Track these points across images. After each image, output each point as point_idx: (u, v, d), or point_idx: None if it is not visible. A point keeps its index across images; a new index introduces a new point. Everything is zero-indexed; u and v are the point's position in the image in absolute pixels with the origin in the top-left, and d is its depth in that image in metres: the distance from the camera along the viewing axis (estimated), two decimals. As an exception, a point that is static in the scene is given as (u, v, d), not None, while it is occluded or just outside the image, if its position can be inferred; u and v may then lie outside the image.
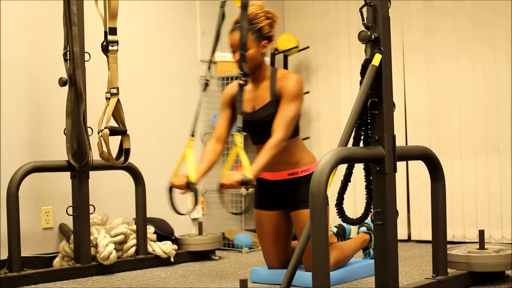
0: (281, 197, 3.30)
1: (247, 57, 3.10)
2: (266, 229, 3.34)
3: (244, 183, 2.85)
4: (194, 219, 4.81)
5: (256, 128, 3.24)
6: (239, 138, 2.91)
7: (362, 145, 2.59)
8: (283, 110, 3.12)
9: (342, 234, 3.63)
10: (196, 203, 2.99)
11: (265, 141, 3.14)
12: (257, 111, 3.22)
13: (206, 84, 3.13)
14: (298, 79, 3.19)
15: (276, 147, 3.05)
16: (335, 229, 3.63)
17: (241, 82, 2.96)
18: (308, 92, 5.32)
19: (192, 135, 3.05)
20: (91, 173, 3.73)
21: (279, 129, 3.08)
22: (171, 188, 3.04)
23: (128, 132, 3.45)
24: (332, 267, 3.23)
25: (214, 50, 3.15)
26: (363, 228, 3.66)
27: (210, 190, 4.87)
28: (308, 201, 3.13)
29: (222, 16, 3.09)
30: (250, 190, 2.98)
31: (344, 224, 3.66)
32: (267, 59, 5.00)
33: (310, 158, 3.30)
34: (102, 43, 3.46)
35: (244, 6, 3.00)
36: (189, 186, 2.97)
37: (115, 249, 3.79)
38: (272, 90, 3.20)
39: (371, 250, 3.65)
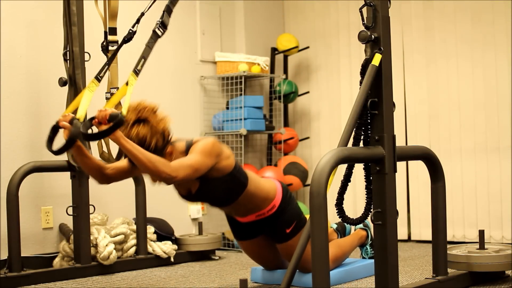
0: (257, 230, 3.20)
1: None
2: (253, 254, 3.29)
3: (113, 117, 2.52)
4: (194, 219, 4.81)
5: (208, 201, 3.08)
6: (132, 79, 2.71)
7: (362, 145, 2.59)
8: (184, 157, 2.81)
9: (342, 231, 3.62)
10: (73, 137, 2.62)
11: (224, 205, 3.02)
12: (195, 193, 2.97)
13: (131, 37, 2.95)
14: (207, 140, 2.87)
15: (161, 166, 2.62)
16: (335, 226, 3.63)
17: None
18: (308, 92, 5.32)
19: (97, 79, 2.81)
20: (91, 173, 3.72)
21: (173, 163, 2.70)
22: (56, 127, 2.71)
23: (128, 132, 3.44)
24: (331, 264, 3.22)
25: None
26: (359, 225, 3.65)
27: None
28: (285, 234, 3.09)
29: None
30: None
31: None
32: (267, 59, 5.03)
33: (271, 193, 3.09)
34: (102, 43, 3.46)
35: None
36: (71, 122, 2.62)
37: (115, 249, 3.79)
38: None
39: (368, 247, 3.65)
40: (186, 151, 2.87)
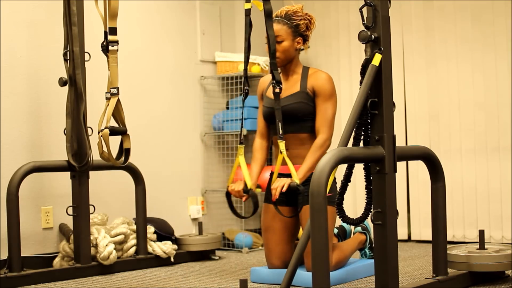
0: (293, 193, 3.29)
1: (280, 49, 3.29)
2: (273, 224, 3.35)
3: (293, 188, 3.02)
4: (194, 219, 4.82)
5: (282, 116, 3.23)
6: (282, 145, 3.04)
7: (362, 145, 2.59)
8: (322, 110, 3.26)
9: (342, 235, 3.63)
10: (256, 207, 3.11)
11: (291, 130, 3.27)
12: (284, 98, 3.29)
13: (246, 94, 3.20)
14: (329, 77, 3.30)
15: (321, 148, 3.21)
16: (336, 230, 3.63)
17: (277, 90, 3.07)
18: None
19: (241, 143, 3.19)
20: (91, 173, 3.73)
21: (322, 130, 3.24)
22: (229, 195, 3.25)
23: (128, 132, 3.45)
24: (333, 267, 3.24)
25: (247, 60, 3.21)
26: (358, 228, 3.66)
27: (210, 190, 4.87)
28: None
29: (249, 24, 3.19)
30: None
31: (345, 225, 3.67)
32: (267, 59, 5.02)
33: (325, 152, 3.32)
34: (102, 43, 3.46)
35: (268, 14, 3.11)
36: (246, 192, 3.15)
37: (115, 249, 3.79)
38: (303, 83, 3.30)
39: (366, 250, 3.65)
40: (302, 75, 3.32)
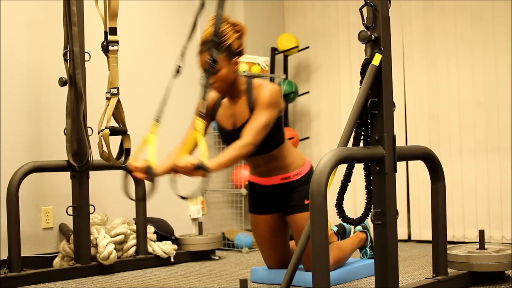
0: (275, 201, 3.28)
1: (219, 78, 3.01)
2: (262, 233, 3.32)
3: (199, 167, 2.68)
4: (194, 219, 4.82)
5: None
6: (200, 123, 2.78)
7: (362, 145, 2.59)
8: (255, 117, 2.99)
9: (342, 233, 3.63)
10: (154, 188, 2.81)
11: (252, 154, 3.04)
12: (238, 128, 3.10)
13: (178, 71, 3.01)
14: (272, 89, 3.03)
15: (242, 149, 2.89)
16: (335, 228, 3.64)
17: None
18: (308, 92, 5.32)
19: (157, 121, 2.93)
20: (91, 173, 3.73)
21: (247, 134, 2.93)
22: (127, 172, 2.90)
23: (128, 132, 3.45)
24: (332, 266, 3.24)
25: (189, 37, 3.02)
26: (359, 227, 3.65)
27: (210, 190, 4.87)
28: (302, 205, 3.16)
29: (202, 5, 3.06)
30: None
31: (345, 223, 3.66)
32: (267, 59, 5.02)
33: (301, 160, 3.24)
34: (102, 43, 3.46)
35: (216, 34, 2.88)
36: (147, 171, 2.79)
37: (115, 249, 3.79)
38: (249, 105, 3.08)
39: (367, 249, 3.65)
40: (246, 91, 3.08)
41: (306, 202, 3.15)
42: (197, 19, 3.01)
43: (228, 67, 3.04)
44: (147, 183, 2.90)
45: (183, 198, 2.86)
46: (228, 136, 3.15)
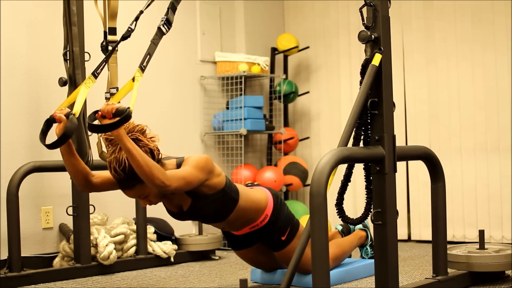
0: (252, 239, 3.18)
1: (152, 199, 2.84)
2: (251, 261, 3.28)
3: (120, 112, 2.48)
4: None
5: (202, 219, 3.07)
6: (138, 75, 2.70)
7: (362, 145, 2.59)
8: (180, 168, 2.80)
9: (346, 232, 3.62)
10: (67, 132, 2.55)
11: (215, 221, 2.98)
12: (188, 211, 2.93)
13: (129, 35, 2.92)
14: (200, 155, 2.88)
15: (157, 172, 2.59)
16: (340, 227, 3.63)
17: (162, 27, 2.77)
18: (308, 92, 5.32)
19: (94, 75, 2.75)
20: (91, 173, 3.72)
21: (169, 173, 2.68)
22: (50, 120, 2.66)
23: (128, 132, 3.44)
24: (330, 264, 3.21)
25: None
26: (359, 225, 3.65)
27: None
28: (281, 242, 3.07)
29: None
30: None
31: (347, 223, 3.65)
32: (267, 59, 5.02)
33: (262, 203, 3.06)
34: (102, 43, 3.46)
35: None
36: (67, 116, 2.55)
37: (115, 249, 3.79)
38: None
39: (368, 247, 3.65)
40: (177, 167, 2.84)
41: (283, 237, 3.09)
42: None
43: (147, 187, 2.75)
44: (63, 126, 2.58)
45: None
46: (179, 217, 3.01)
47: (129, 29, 2.96)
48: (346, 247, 3.39)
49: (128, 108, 2.50)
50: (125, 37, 2.95)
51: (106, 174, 2.87)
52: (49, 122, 2.67)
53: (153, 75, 4.66)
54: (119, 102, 2.72)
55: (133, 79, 2.75)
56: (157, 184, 2.60)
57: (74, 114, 2.55)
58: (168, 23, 2.87)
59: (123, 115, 2.47)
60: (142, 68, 2.78)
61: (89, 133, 3.61)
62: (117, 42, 3.04)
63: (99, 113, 2.54)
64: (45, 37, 4.02)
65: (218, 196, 2.90)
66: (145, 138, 2.77)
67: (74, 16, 3.53)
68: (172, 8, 2.91)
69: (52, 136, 2.69)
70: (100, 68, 2.82)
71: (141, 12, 2.97)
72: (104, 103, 2.57)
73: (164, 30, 2.88)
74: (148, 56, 2.82)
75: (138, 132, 2.75)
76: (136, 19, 2.96)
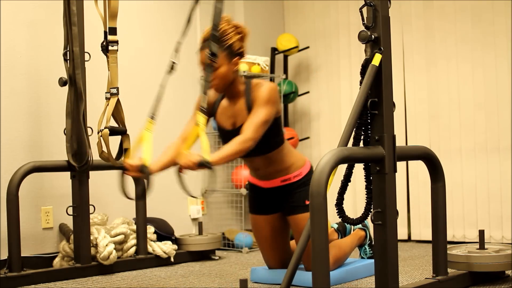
0: (276, 202, 3.28)
1: (218, 75, 3.02)
2: (263, 233, 3.33)
3: (201, 165, 2.69)
4: (194, 219, 4.82)
5: None
6: (201, 119, 2.80)
7: (362, 145, 2.59)
8: (253, 114, 2.99)
9: (342, 231, 3.63)
10: (148, 187, 2.80)
11: (254, 153, 3.06)
12: (238, 128, 3.09)
13: (172, 67, 3.05)
14: (270, 86, 3.05)
15: (242, 144, 2.89)
16: (336, 226, 3.64)
17: (208, 62, 2.85)
18: (308, 92, 5.32)
19: (152, 118, 2.95)
20: (91, 173, 3.73)
21: (247, 129, 2.94)
22: (123, 171, 2.89)
23: (128, 132, 3.45)
24: (332, 266, 3.24)
25: (184, 32, 3.02)
26: (358, 225, 3.65)
27: (210, 190, 4.87)
28: (303, 205, 3.16)
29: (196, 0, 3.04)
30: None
31: (345, 222, 3.66)
32: (267, 59, 5.02)
33: (301, 161, 3.24)
34: (102, 43, 3.46)
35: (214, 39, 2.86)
36: (142, 170, 2.80)
37: (115, 249, 3.79)
38: (248, 105, 3.08)
39: (366, 247, 3.65)
40: (245, 92, 3.09)
41: (307, 202, 3.14)
42: (191, 15, 3.02)
43: (227, 66, 3.05)
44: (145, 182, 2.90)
45: (193, 197, 2.99)
46: (228, 136, 3.14)
47: (173, 63, 3.11)
48: (346, 248, 3.40)
49: (204, 159, 2.71)
50: (170, 70, 3.09)
51: (185, 132, 3.15)
52: (124, 174, 2.91)
53: (153, 75, 4.66)
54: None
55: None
56: (251, 148, 2.92)
57: (147, 167, 2.82)
58: (213, 55, 2.87)
59: (207, 166, 2.71)
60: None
61: (89, 133, 3.62)
62: (163, 85, 3.08)
63: (182, 169, 2.76)
64: (45, 37, 4.02)
65: (273, 123, 3.05)
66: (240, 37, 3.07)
67: (74, 16, 3.53)
68: (213, 38, 2.88)
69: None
70: (156, 110, 3.01)
71: (179, 43, 3.05)
72: (179, 161, 2.74)
73: (213, 65, 2.90)
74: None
75: (244, 31, 3.09)
76: (176, 51, 3.06)
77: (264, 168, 3.19)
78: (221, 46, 2.99)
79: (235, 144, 2.89)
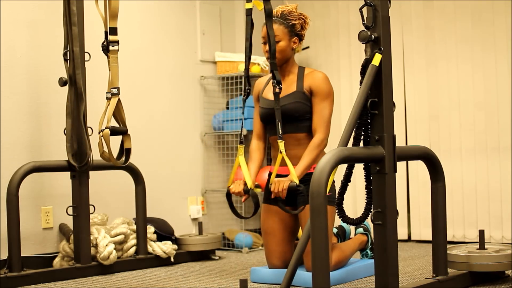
0: (292, 192, 3.28)
1: (278, 49, 3.26)
2: (272, 224, 3.35)
3: (292, 188, 3.03)
4: (194, 219, 4.82)
5: (289, 110, 3.29)
6: (282, 145, 3.04)
7: (362, 145, 2.59)
8: (319, 110, 3.26)
9: (342, 235, 3.63)
10: (257, 207, 3.11)
11: (287, 131, 3.25)
12: (281, 98, 3.25)
13: (248, 94, 3.21)
14: (326, 76, 3.31)
15: (318, 147, 3.20)
16: (335, 230, 3.64)
17: (277, 90, 3.06)
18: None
19: (241, 143, 3.19)
20: (91, 173, 3.73)
21: (319, 129, 3.24)
22: (230, 195, 3.23)
23: (128, 132, 3.45)
24: (333, 267, 3.24)
25: (249, 60, 3.19)
26: (360, 229, 3.66)
27: (210, 190, 4.87)
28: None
29: (251, 24, 3.17)
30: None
31: (344, 225, 3.67)
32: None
33: (322, 153, 3.32)
34: (103, 43, 3.46)
35: (269, 14, 3.11)
36: (247, 192, 3.15)
37: (115, 249, 3.79)
38: (299, 83, 3.30)
39: (368, 251, 3.66)
40: (298, 74, 3.33)
41: None
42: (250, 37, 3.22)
43: (287, 42, 3.33)
44: (247, 202, 3.31)
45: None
46: (269, 106, 3.31)
47: (248, 89, 3.24)
48: (348, 251, 3.41)
49: (294, 182, 3.04)
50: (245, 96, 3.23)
51: (256, 130, 3.48)
52: (229, 197, 3.26)
53: (153, 75, 4.66)
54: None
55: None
56: (324, 147, 3.26)
57: (250, 188, 3.13)
58: (278, 83, 3.08)
59: (298, 192, 3.05)
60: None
61: (89, 133, 3.62)
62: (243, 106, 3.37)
63: (273, 195, 3.11)
64: (45, 37, 4.02)
65: (310, 106, 3.29)
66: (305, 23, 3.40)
67: (74, 16, 3.53)
68: (273, 66, 3.10)
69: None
70: (242, 136, 3.24)
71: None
72: (272, 186, 3.10)
73: (277, 90, 3.10)
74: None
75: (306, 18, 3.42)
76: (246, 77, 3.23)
77: (291, 149, 3.29)
78: (284, 23, 3.33)
79: (311, 151, 3.19)
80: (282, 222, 3.35)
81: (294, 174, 3.03)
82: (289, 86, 3.34)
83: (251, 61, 4.84)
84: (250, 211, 4.77)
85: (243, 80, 3.27)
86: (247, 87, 3.19)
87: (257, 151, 3.44)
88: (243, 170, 3.15)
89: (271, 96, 3.31)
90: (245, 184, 3.16)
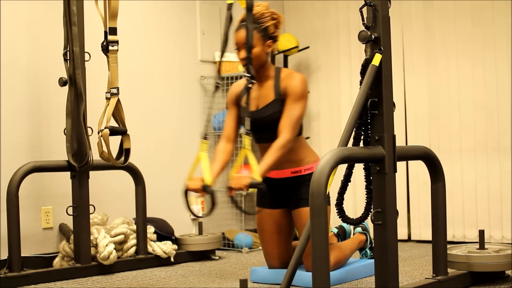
0: (284, 195, 3.31)
1: (252, 55, 3.12)
2: (267, 228, 3.35)
3: (252, 186, 2.91)
4: (194, 219, 4.82)
5: (260, 126, 3.25)
6: (247, 141, 2.94)
7: (362, 145, 2.59)
8: (289, 111, 3.14)
9: (342, 235, 3.63)
10: (213, 205, 2.98)
11: (269, 140, 3.17)
12: (261, 109, 3.23)
13: (217, 87, 3.13)
14: (303, 78, 3.20)
15: (283, 148, 3.09)
16: (335, 230, 3.64)
17: (249, 86, 2.98)
18: (308, 92, 5.31)
19: (205, 138, 3.04)
20: (91, 173, 3.73)
21: (285, 130, 3.12)
22: (186, 192, 3.10)
23: (128, 132, 3.45)
24: (332, 267, 3.24)
25: (223, 53, 3.11)
26: (359, 229, 3.66)
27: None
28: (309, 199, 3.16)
29: (230, 19, 3.09)
30: (251, 190, 3.06)
31: (344, 225, 3.67)
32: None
33: (313, 157, 3.32)
34: (102, 43, 3.46)
35: (249, 8, 3.02)
36: (205, 189, 3.00)
37: (115, 249, 3.79)
38: (276, 89, 3.21)
39: (367, 250, 3.65)
40: (275, 78, 3.22)
41: None
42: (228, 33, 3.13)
43: (261, 47, 3.22)
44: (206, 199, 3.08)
45: (248, 213, 3.32)
46: (250, 117, 3.17)
47: (217, 83, 3.15)
48: (347, 250, 3.41)
49: (256, 180, 2.91)
50: (214, 91, 3.15)
51: (226, 132, 3.34)
52: (186, 193, 3.12)
53: (153, 75, 4.66)
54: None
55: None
56: (289, 149, 3.12)
57: (210, 186, 2.97)
58: (252, 78, 3.00)
59: (259, 188, 2.94)
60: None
61: (89, 133, 3.62)
62: (210, 107, 3.20)
63: (233, 191, 2.97)
64: (45, 37, 4.02)
65: None
66: (276, 24, 3.31)
67: (74, 16, 3.53)
68: (248, 60, 3.03)
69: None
70: (207, 130, 3.09)
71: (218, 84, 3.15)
72: (231, 181, 2.94)
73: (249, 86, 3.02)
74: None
75: (279, 17, 3.33)
76: (218, 71, 3.20)
77: None
78: (256, 27, 3.21)
79: (275, 151, 3.07)
80: (277, 224, 3.34)
81: (257, 171, 2.90)
82: (268, 93, 3.24)
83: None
84: (250, 210, 4.77)
85: (215, 74, 3.19)
86: (217, 82, 3.09)
87: (223, 152, 3.30)
88: (202, 166, 2.99)
89: (251, 106, 3.22)
90: (203, 180, 2.99)
